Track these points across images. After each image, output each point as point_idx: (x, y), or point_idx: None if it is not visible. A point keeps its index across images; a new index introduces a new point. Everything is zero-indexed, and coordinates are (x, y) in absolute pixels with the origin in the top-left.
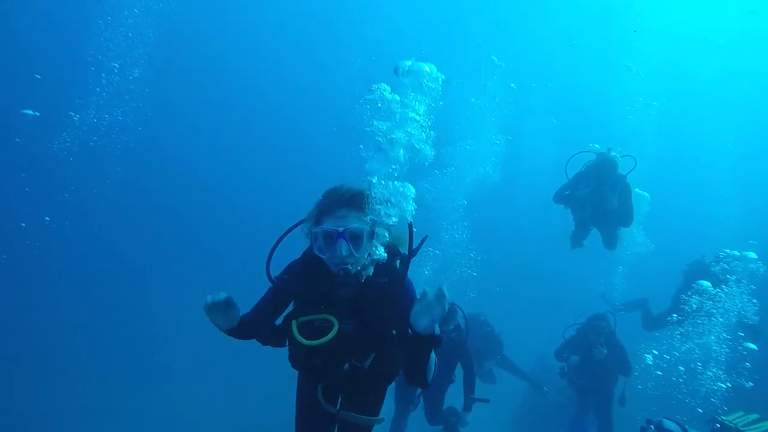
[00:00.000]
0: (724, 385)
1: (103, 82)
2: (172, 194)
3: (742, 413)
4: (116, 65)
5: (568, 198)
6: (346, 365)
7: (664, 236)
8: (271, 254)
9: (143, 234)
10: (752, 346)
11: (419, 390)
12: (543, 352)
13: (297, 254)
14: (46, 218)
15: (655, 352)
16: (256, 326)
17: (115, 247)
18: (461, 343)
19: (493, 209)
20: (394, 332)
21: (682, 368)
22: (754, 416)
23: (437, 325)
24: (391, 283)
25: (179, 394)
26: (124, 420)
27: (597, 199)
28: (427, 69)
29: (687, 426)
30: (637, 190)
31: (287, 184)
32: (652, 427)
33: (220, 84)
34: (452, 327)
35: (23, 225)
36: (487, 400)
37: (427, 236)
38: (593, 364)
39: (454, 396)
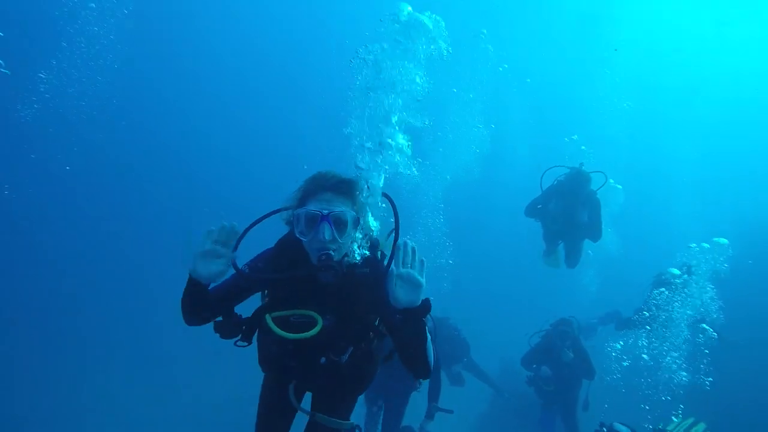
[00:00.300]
0: (684, 374)
1: (81, 45)
2: (148, 168)
3: (680, 419)
4: (93, 5)
5: (541, 212)
6: (323, 359)
7: (632, 238)
8: (240, 238)
9: (114, 211)
10: (713, 333)
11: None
12: (506, 357)
13: (268, 245)
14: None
15: (621, 343)
16: (216, 306)
17: (85, 228)
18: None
19: (471, 202)
20: (376, 323)
21: (645, 356)
22: (690, 420)
23: (420, 291)
24: (372, 274)
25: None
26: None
27: (569, 213)
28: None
29: (638, 430)
30: (611, 181)
31: (273, 167)
32: (604, 429)
33: (200, 48)
34: None
35: None
36: (450, 411)
37: (394, 230)
38: (561, 369)
39: (418, 406)
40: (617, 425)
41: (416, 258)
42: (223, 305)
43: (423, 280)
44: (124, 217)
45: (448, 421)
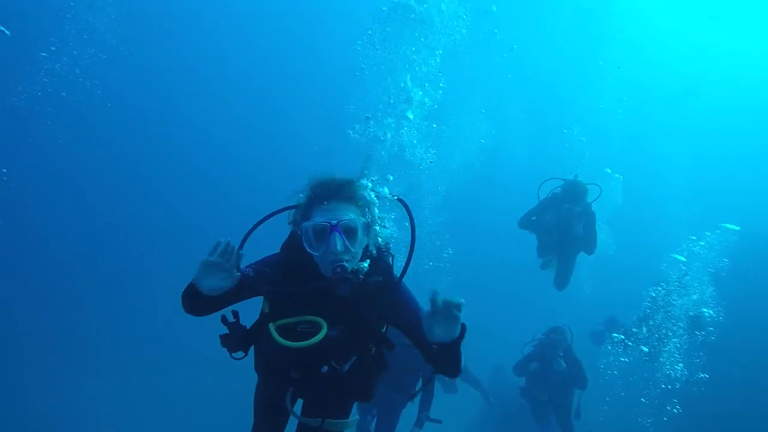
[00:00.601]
0: (681, 366)
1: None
2: (152, 154)
3: None
4: None
5: (535, 224)
6: (326, 367)
7: (627, 237)
8: (243, 241)
9: (118, 206)
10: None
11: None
12: (500, 362)
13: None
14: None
15: (622, 337)
16: (217, 303)
17: (86, 218)
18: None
19: (468, 199)
20: (384, 330)
21: (645, 348)
22: None
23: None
24: (386, 282)
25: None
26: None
27: (564, 225)
28: None
29: None
30: (607, 170)
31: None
32: None
33: (200, 37)
34: None
35: None
36: (439, 421)
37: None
38: (553, 377)
39: (408, 413)
40: None
41: (454, 300)
42: (223, 304)
43: (461, 316)
44: (127, 212)
45: (436, 431)
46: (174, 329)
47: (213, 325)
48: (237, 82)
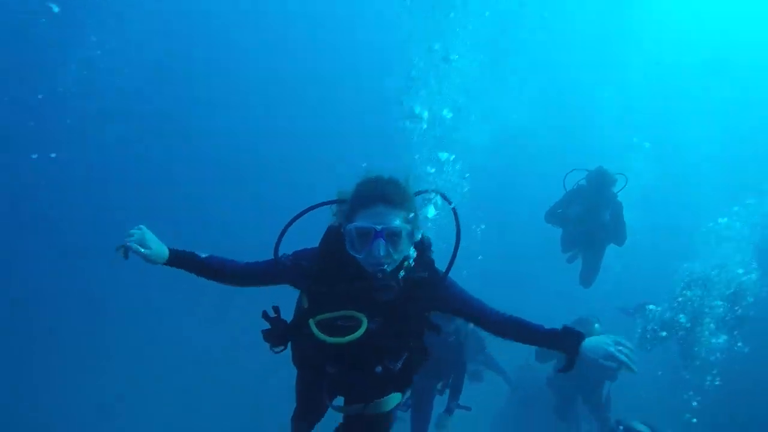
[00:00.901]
0: (724, 337)
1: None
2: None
3: None
4: None
5: (561, 216)
6: (380, 368)
7: (656, 217)
8: (283, 232)
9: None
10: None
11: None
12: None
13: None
14: (52, 154)
15: (659, 308)
16: (244, 280)
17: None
18: (459, 349)
19: (497, 178)
20: (427, 314)
21: (682, 317)
22: None
23: None
24: (431, 278)
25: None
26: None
27: (592, 214)
28: None
29: (658, 427)
30: (635, 139)
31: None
32: (621, 428)
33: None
34: (452, 330)
35: (34, 157)
36: (468, 408)
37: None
38: (579, 369)
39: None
40: (636, 424)
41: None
42: (250, 282)
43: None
44: (135, 209)
45: (464, 418)
46: (180, 329)
47: (217, 326)
48: (247, 81)
